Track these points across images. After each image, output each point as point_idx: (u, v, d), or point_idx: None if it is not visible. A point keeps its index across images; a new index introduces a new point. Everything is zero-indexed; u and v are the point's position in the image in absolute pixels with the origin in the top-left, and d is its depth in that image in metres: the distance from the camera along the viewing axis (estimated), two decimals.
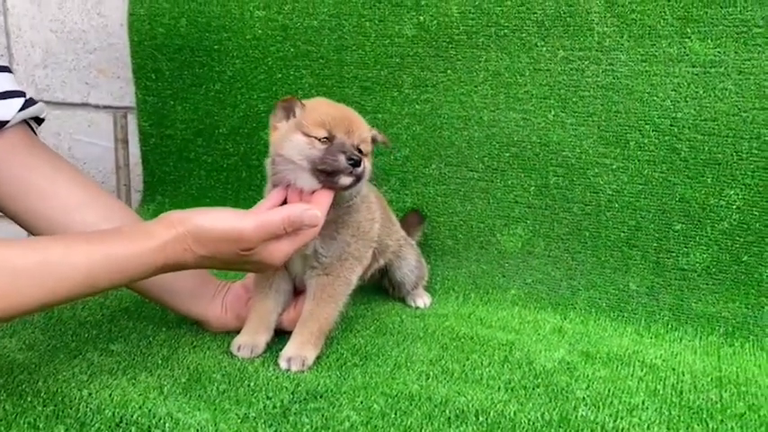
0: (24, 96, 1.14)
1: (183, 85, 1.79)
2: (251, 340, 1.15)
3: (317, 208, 1.03)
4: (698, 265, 1.37)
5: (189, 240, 0.96)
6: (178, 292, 1.19)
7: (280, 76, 1.68)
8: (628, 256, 1.41)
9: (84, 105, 2.04)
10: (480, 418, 0.95)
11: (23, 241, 0.92)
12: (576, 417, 0.97)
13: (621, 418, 0.97)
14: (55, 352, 1.11)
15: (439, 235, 1.58)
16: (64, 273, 0.87)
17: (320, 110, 1.08)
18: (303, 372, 1.08)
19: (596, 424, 0.95)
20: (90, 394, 0.97)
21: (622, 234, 1.41)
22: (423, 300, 1.42)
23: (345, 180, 1.05)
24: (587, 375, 1.11)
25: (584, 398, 1.03)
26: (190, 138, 1.82)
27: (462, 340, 1.23)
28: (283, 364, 1.09)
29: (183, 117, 1.81)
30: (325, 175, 1.04)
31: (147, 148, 1.88)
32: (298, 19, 1.63)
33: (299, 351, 1.10)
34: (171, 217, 0.98)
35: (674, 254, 1.38)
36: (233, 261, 1.01)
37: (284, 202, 1.07)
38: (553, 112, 1.45)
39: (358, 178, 1.05)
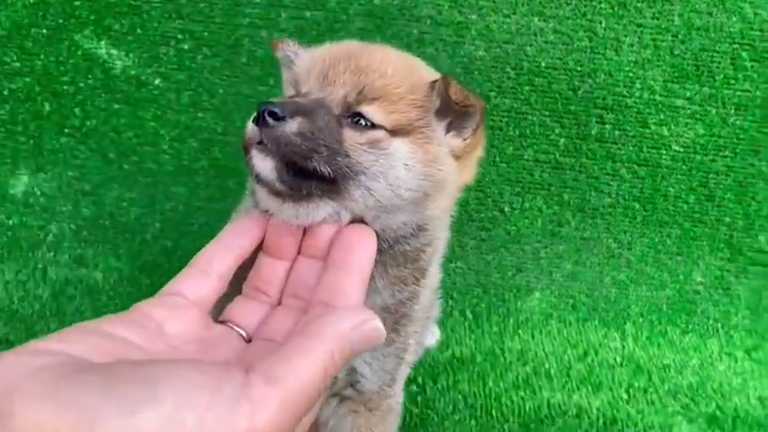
0: None
1: None
2: None
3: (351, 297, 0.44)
4: None
5: None
6: None
7: None
8: (691, 236, 1.01)
9: None
10: None
11: None
12: None
13: None
14: None
15: None
16: None
17: (315, 54, 0.56)
18: None
19: None
20: None
21: (686, 206, 1.00)
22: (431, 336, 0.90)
23: (256, 161, 0.46)
24: None
25: None
26: None
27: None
28: None
29: None
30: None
31: None
32: None
33: None
34: None
35: (751, 232, 1.01)
36: None
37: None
38: (603, 24, 0.93)
39: (285, 158, 0.46)
